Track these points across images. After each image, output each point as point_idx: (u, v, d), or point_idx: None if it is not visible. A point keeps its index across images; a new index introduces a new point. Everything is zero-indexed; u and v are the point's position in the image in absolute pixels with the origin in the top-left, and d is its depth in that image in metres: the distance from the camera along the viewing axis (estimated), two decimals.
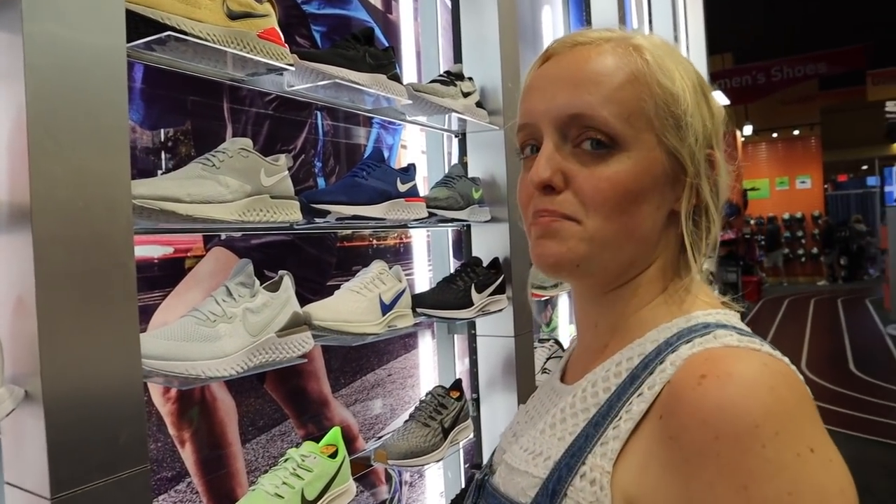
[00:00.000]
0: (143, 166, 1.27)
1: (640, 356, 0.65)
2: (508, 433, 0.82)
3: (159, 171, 1.30)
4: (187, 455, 1.31)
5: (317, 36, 1.70)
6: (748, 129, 15.88)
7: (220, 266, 1.39)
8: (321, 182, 1.70)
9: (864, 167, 19.16)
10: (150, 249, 1.27)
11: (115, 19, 0.90)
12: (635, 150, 0.67)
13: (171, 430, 1.28)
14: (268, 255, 1.51)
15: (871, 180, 18.21)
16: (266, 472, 1.25)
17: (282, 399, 1.54)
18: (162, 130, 1.31)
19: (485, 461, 1.96)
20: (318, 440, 1.36)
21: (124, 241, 0.89)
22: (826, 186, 16.85)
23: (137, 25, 0.97)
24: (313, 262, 1.65)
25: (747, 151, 16.49)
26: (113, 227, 0.88)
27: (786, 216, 16.07)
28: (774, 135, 16.71)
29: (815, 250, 15.84)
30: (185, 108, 1.36)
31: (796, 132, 16.32)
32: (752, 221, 15.38)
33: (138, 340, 0.89)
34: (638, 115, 0.67)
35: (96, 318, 0.85)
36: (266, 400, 1.50)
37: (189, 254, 1.35)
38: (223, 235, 1.40)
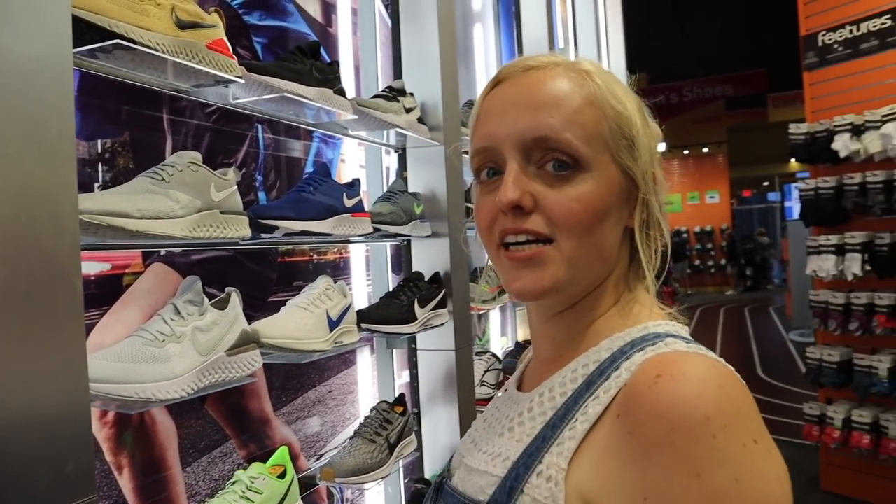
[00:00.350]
0: (80, 179, 1.20)
1: (595, 363, 0.69)
2: (467, 440, 0.83)
3: (96, 185, 1.24)
4: (125, 482, 1.25)
5: (258, 47, 1.67)
6: (662, 147, 16.61)
7: (159, 283, 1.34)
8: (262, 196, 1.67)
9: (766, 183, 20.42)
10: (86, 266, 1.20)
11: (61, 25, 0.86)
12: (596, 170, 0.69)
13: (108, 457, 1.22)
14: (208, 270, 1.46)
15: (772, 196, 19.44)
16: (211, 495, 1.21)
17: (223, 419, 1.49)
18: (99, 141, 1.26)
19: (426, 475, 1.97)
20: (260, 460, 1.33)
21: (70, 258, 0.85)
22: (732, 201, 17.85)
23: (82, 32, 0.93)
24: (254, 277, 1.62)
25: (661, 168, 17.22)
26: (59, 244, 0.84)
27: (697, 229, 16.89)
28: (686, 152, 17.58)
29: (723, 261, 16.71)
30: (123, 118, 1.30)
31: (705, 150, 17.23)
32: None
33: (86, 363, 0.85)
34: (596, 137, 0.70)
35: (41, 339, 0.81)
36: (207, 421, 1.45)
37: (127, 270, 1.29)
38: (163, 251, 1.35)
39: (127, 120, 1.32)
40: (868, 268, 3.78)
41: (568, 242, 0.69)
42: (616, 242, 0.73)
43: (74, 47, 0.93)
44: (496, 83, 0.75)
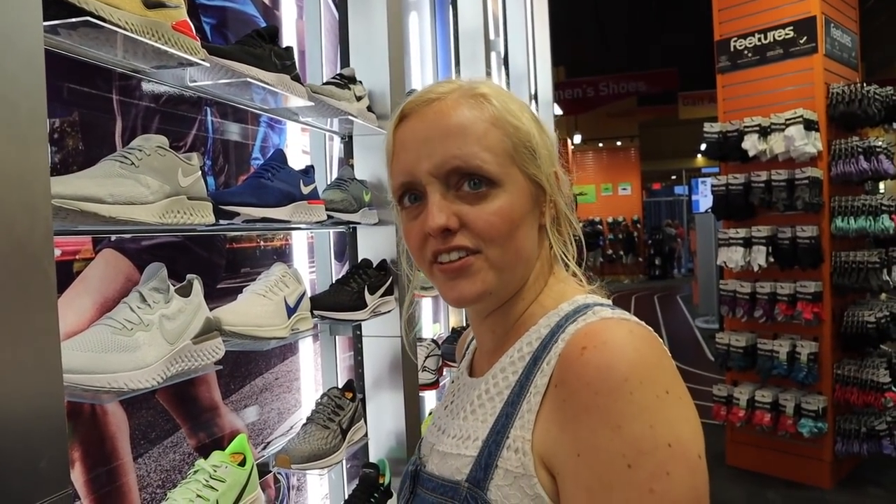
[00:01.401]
0: None
1: (537, 340, 0.77)
2: (433, 428, 0.90)
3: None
4: (77, 475, 1.21)
5: (206, 28, 1.63)
6: (577, 138, 17.13)
7: (110, 269, 1.30)
8: (211, 181, 1.63)
9: (674, 177, 21.45)
10: None
11: None
12: (508, 183, 0.77)
13: None
14: (158, 256, 1.42)
15: (679, 189, 20.44)
16: (164, 485, 1.19)
17: (173, 407, 1.46)
18: (47, 121, 1.20)
19: (372, 458, 1.99)
20: (210, 448, 1.32)
21: (43, 245, 0.82)
22: (642, 193, 18.63)
23: (47, 7, 0.89)
24: (204, 264, 1.58)
25: (576, 159, 17.77)
26: (32, 230, 0.81)
27: (609, 219, 17.54)
28: (600, 144, 18.18)
29: (621, 252, 17.42)
30: (71, 98, 1.25)
31: (619, 143, 17.87)
32: (582, 224, 16.58)
33: (59, 354, 0.82)
34: (503, 154, 0.78)
35: (12, 329, 0.78)
36: (157, 410, 1.42)
37: (77, 256, 1.24)
38: (113, 237, 1.30)
39: (75, 100, 1.26)
40: (772, 259, 4.08)
41: (493, 251, 0.77)
42: (534, 243, 0.82)
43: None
44: (402, 118, 0.81)
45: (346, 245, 2.09)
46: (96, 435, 1.26)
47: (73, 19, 0.90)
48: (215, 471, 1.19)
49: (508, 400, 0.75)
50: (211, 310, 1.24)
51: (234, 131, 1.73)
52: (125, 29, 0.96)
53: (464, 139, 0.76)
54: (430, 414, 2.54)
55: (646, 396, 0.64)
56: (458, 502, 0.74)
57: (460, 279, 0.77)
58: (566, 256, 0.84)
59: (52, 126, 1.21)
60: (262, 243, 1.85)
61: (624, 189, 17.58)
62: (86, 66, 1.17)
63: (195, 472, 1.19)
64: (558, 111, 14.47)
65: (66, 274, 1.22)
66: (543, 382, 0.71)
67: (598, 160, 18.06)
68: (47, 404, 0.81)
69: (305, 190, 1.49)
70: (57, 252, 1.20)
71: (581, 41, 13.94)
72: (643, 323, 0.73)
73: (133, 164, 0.99)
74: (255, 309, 1.32)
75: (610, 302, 0.80)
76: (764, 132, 4.07)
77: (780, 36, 4.20)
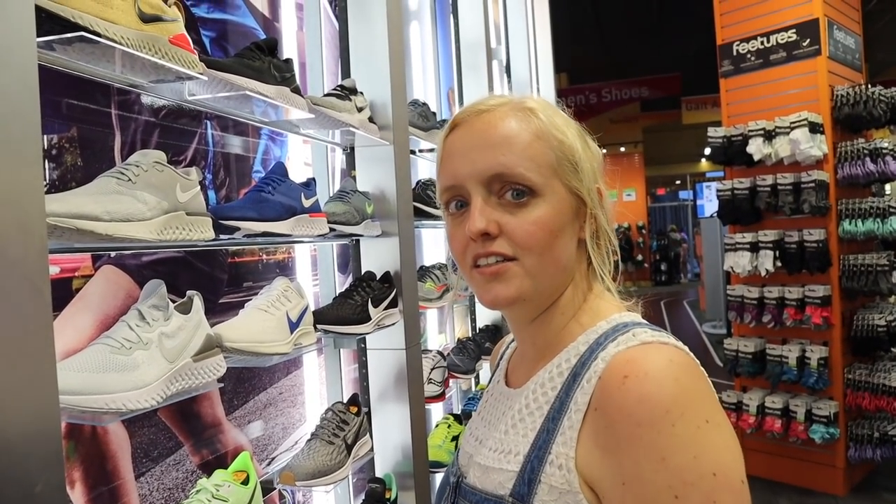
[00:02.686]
0: None
1: (576, 356, 0.79)
2: (471, 439, 0.92)
3: (43, 182, 1.17)
4: (77, 496, 1.19)
5: (206, 41, 1.62)
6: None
7: (111, 286, 1.28)
8: (212, 195, 1.62)
9: (678, 182, 21.38)
10: None
11: (24, 15, 0.81)
12: (549, 194, 0.80)
13: None
14: (159, 272, 1.41)
15: (684, 194, 20.37)
16: None
17: (176, 425, 1.44)
18: (45, 137, 1.19)
19: (378, 474, 1.96)
20: (213, 466, 1.30)
21: (38, 264, 0.80)
22: (647, 199, 18.58)
23: (41, 23, 0.88)
24: (205, 279, 1.57)
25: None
26: (26, 249, 0.79)
27: (615, 226, 17.44)
28: (604, 150, 18.02)
29: (639, 257, 17.37)
30: (69, 113, 1.23)
31: (623, 149, 17.84)
32: None
33: (55, 375, 0.80)
34: (545, 166, 0.80)
35: (6, 350, 0.76)
36: (159, 428, 1.40)
37: (76, 273, 1.22)
38: (113, 253, 1.29)
39: (74, 115, 1.25)
40: (779, 264, 4.05)
41: (530, 259, 0.79)
42: (572, 254, 0.83)
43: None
44: (453, 127, 0.85)
45: (350, 257, 2.07)
46: (97, 454, 1.24)
47: (68, 35, 0.89)
48: (218, 490, 1.17)
49: (549, 416, 0.77)
50: (213, 324, 1.23)
51: (235, 144, 1.72)
52: (121, 44, 0.95)
53: (509, 148, 0.79)
54: (437, 426, 2.51)
55: (688, 428, 0.66)
56: None
57: (496, 283, 0.80)
58: (603, 271, 0.86)
59: (50, 142, 1.20)
60: (264, 257, 1.83)
61: (629, 195, 17.53)
62: (84, 81, 1.16)
63: (197, 491, 1.17)
64: None
65: (65, 291, 1.20)
66: (584, 401, 0.73)
67: (603, 166, 17.99)
68: (43, 426, 0.79)
69: (307, 203, 1.48)
70: (55, 269, 1.19)
71: (583, 47, 13.94)
72: (682, 345, 0.75)
73: (130, 180, 0.98)
74: (257, 324, 1.30)
75: (646, 321, 0.82)
76: (769, 136, 4.04)
77: (782, 39, 4.19)
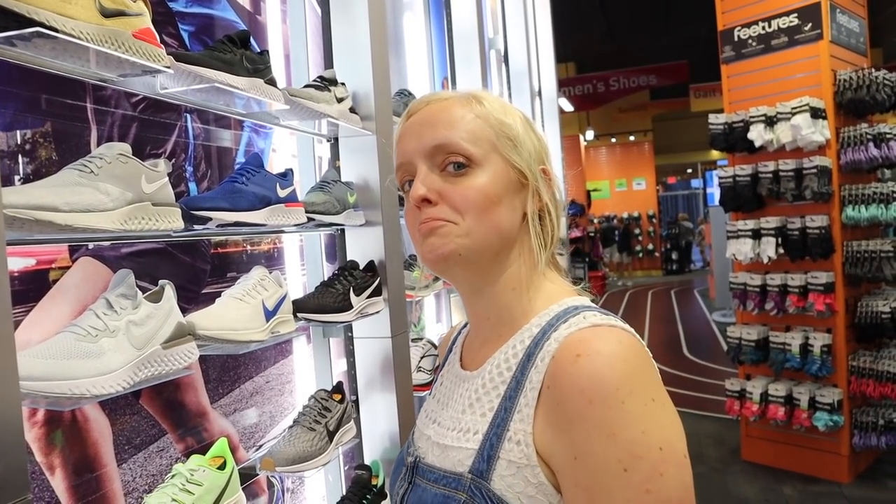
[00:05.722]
0: (0, 172, 1.16)
1: (529, 338, 0.82)
2: (427, 420, 0.95)
3: (17, 177, 1.20)
4: (58, 482, 1.22)
5: (184, 35, 1.64)
6: (590, 134, 17.03)
7: (88, 277, 1.31)
8: (193, 187, 1.64)
9: (689, 171, 21.23)
10: (9, 262, 1.17)
11: None
12: (487, 165, 0.85)
13: (39, 457, 1.19)
14: (139, 264, 1.44)
15: (695, 182, 20.23)
16: (149, 491, 1.20)
17: (159, 413, 1.47)
18: (18, 132, 1.21)
19: (366, 461, 1.99)
20: (198, 453, 1.32)
21: None
22: (658, 188, 18.46)
23: None
24: (187, 269, 1.59)
25: (589, 155, 17.67)
26: None
27: (624, 215, 17.40)
28: (613, 140, 18.05)
29: (650, 246, 17.30)
30: (43, 108, 1.26)
31: (632, 137, 17.72)
32: (596, 220, 16.50)
33: (15, 362, 0.83)
34: (483, 139, 0.86)
35: None
36: (142, 416, 1.43)
37: (53, 265, 1.25)
38: (90, 245, 1.32)
39: (48, 109, 1.27)
40: (781, 251, 4.02)
41: (465, 221, 0.84)
42: (514, 224, 0.87)
43: None
44: (408, 116, 0.92)
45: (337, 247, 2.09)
46: (78, 441, 1.27)
47: (24, 30, 0.90)
48: (192, 474, 1.19)
49: (506, 395, 0.80)
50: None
51: (216, 137, 1.74)
52: (80, 39, 0.96)
53: (451, 124, 0.86)
54: None
55: (636, 405, 0.70)
56: (462, 493, 0.78)
57: (432, 237, 0.84)
58: (540, 247, 0.88)
59: (24, 137, 1.22)
60: (248, 248, 1.86)
61: (638, 184, 17.44)
62: (58, 76, 1.18)
63: (172, 476, 1.20)
64: (567, 107, 14.44)
65: (42, 283, 1.23)
66: (538, 379, 0.76)
67: (612, 155, 17.93)
68: (3, 411, 0.82)
69: (282, 193, 1.50)
70: (31, 261, 1.22)
71: (589, 36, 13.84)
72: (629, 327, 0.79)
73: (92, 171, 1.00)
74: (231, 313, 1.32)
75: (595, 304, 0.85)
76: (770, 122, 4.01)
77: (784, 24, 4.14)
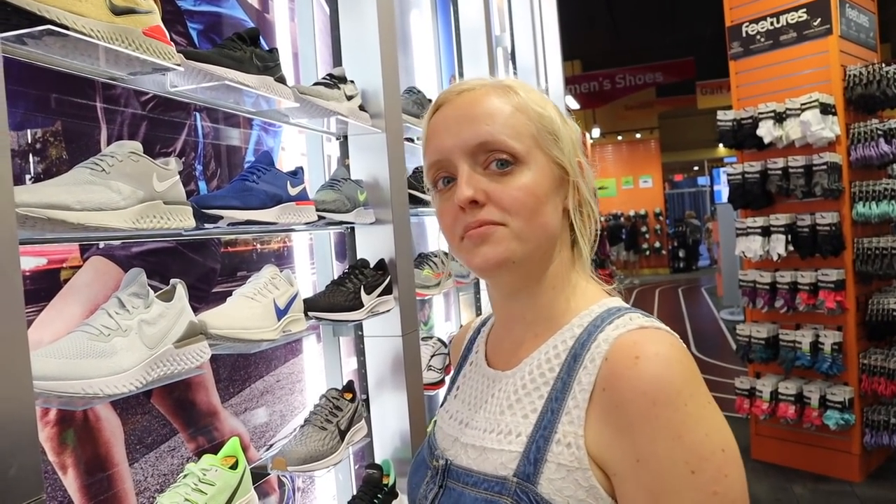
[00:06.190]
0: None
1: (572, 338, 0.80)
2: (452, 422, 0.91)
3: (28, 176, 1.20)
4: (70, 482, 1.22)
5: (193, 34, 1.64)
6: (596, 132, 16.98)
7: (99, 276, 1.30)
8: (203, 186, 1.64)
9: (696, 168, 21.15)
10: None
11: None
12: (532, 162, 0.82)
13: (51, 456, 1.19)
14: (150, 263, 1.43)
15: (702, 180, 20.16)
16: (162, 490, 1.19)
17: (170, 413, 1.47)
18: (29, 131, 1.21)
19: (377, 460, 1.98)
20: (209, 453, 1.32)
21: (9, 254, 0.82)
22: (665, 185, 18.40)
23: (8, 16, 0.89)
24: (198, 268, 1.59)
25: (595, 153, 17.61)
26: None
27: (631, 213, 17.34)
28: (619, 137, 17.99)
29: (657, 244, 17.23)
30: (53, 107, 1.26)
31: (638, 135, 17.66)
32: (603, 218, 16.42)
33: (28, 361, 0.82)
34: (526, 135, 0.82)
35: None
36: (153, 415, 1.43)
37: (65, 264, 1.25)
38: (101, 244, 1.31)
39: (58, 108, 1.27)
40: (791, 248, 3.99)
41: (517, 223, 0.80)
42: (558, 221, 0.84)
43: (1, 32, 0.90)
44: (437, 108, 0.87)
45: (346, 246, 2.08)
46: (90, 441, 1.27)
47: (35, 28, 0.90)
48: (204, 474, 1.19)
49: (551, 396, 0.78)
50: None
51: (225, 136, 1.74)
52: (91, 36, 0.96)
53: (492, 119, 0.81)
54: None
55: (697, 406, 0.70)
56: (507, 497, 0.75)
57: (484, 245, 0.80)
58: (584, 240, 0.87)
59: (34, 136, 1.22)
60: (258, 246, 1.85)
61: (645, 181, 17.37)
62: (69, 76, 1.18)
63: (185, 475, 1.20)
64: (574, 104, 14.37)
65: (53, 282, 1.23)
66: (589, 381, 0.74)
67: (618, 153, 17.87)
68: (17, 411, 0.81)
69: (293, 191, 1.49)
70: (42, 261, 1.21)
71: (595, 34, 13.80)
72: (669, 329, 0.78)
73: (104, 170, 0.99)
74: (243, 312, 1.32)
75: (630, 305, 0.84)
76: (779, 118, 3.98)
77: (792, 19, 4.11)
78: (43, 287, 1.21)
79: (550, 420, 0.76)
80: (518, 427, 0.79)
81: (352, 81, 1.86)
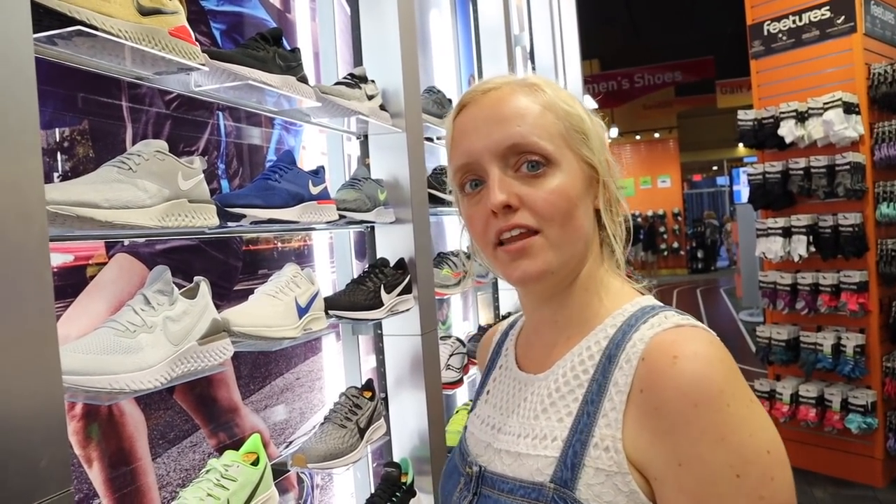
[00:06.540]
0: None
1: (605, 339, 0.77)
2: (484, 427, 0.89)
3: (56, 174, 1.22)
4: (95, 475, 1.23)
5: (216, 33, 1.65)
6: (614, 132, 16.88)
7: (124, 274, 1.32)
8: (225, 184, 1.65)
9: (715, 168, 20.96)
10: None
11: (20, 10, 0.84)
12: (563, 163, 0.80)
13: (77, 450, 1.20)
14: (173, 260, 1.45)
15: (721, 180, 19.98)
16: (184, 485, 1.21)
17: (192, 408, 1.48)
18: (56, 130, 1.23)
19: (395, 458, 1.99)
20: (230, 449, 1.33)
21: (39, 251, 0.83)
22: (683, 185, 18.26)
23: (40, 18, 0.91)
24: (219, 266, 1.60)
25: (614, 152, 17.42)
26: (26, 236, 0.82)
27: (649, 213, 17.23)
28: (637, 137, 17.87)
29: (675, 244, 17.11)
30: (80, 106, 1.27)
31: (657, 135, 17.53)
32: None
33: (58, 356, 0.84)
34: (556, 135, 0.80)
35: (11, 334, 0.79)
36: (176, 411, 1.44)
37: (90, 261, 1.27)
38: (126, 241, 1.33)
39: (85, 108, 1.29)
40: (813, 249, 3.94)
41: (552, 230, 0.78)
42: (590, 223, 0.83)
43: (33, 33, 0.91)
44: (461, 108, 0.85)
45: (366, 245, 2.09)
46: (114, 435, 1.28)
47: (66, 29, 0.92)
48: (227, 470, 1.20)
49: (586, 399, 0.75)
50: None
51: (247, 135, 1.75)
52: (119, 37, 0.97)
53: (522, 119, 0.79)
54: (457, 411, 2.53)
55: (740, 407, 0.67)
56: (544, 503, 0.73)
57: (522, 259, 0.78)
58: (616, 240, 0.85)
59: (62, 135, 1.24)
60: (279, 245, 1.86)
61: (663, 181, 17.24)
62: (95, 76, 1.19)
63: (207, 471, 1.21)
64: (592, 104, 14.30)
65: (79, 278, 1.25)
66: (626, 382, 0.72)
67: (637, 153, 17.75)
68: (47, 405, 0.83)
69: (315, 190, 1.50)
70: (69, 257, 1.23)
71: (614, 32, 13.72)
72: (706, 326, 0.75)
73: (131, 168, 1.01)
74: (265, 310, 1.33)
75: (662, 303, 0.81)
76: (801, 118, 3.93)
77: (815, 17, 4.06)
78: (70, 283, 1.22)
79: (587, 423, 0.74)
80: (553, 431, 0.77)
81: (372, 81, 1.87)
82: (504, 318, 3.12)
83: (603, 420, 0.72)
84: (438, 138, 2.49)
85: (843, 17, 3.93)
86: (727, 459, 0.65)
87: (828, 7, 3.99)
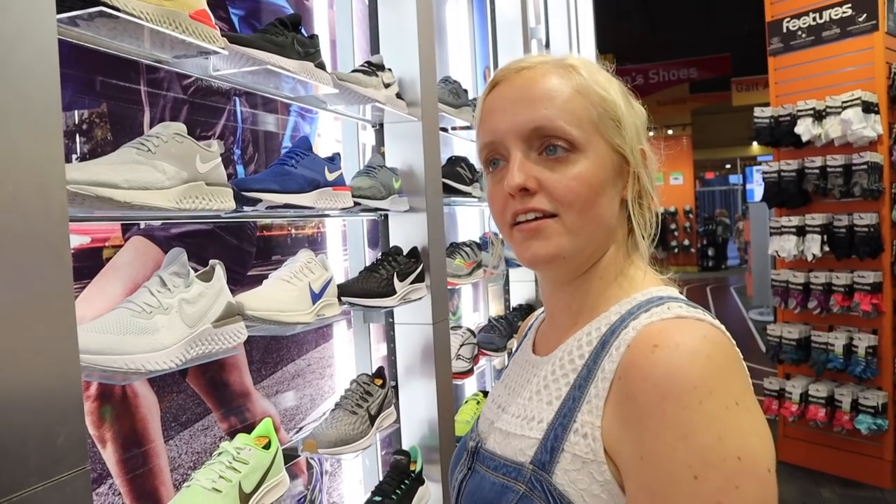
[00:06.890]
0: None
1: (606, 325, 0.76)
2: (492, 405, 0.90)
3: (74, 156, 1.22)
4: (109, 455, 1.25)
5: (234, 19, 1.65)
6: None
7: (140, 256, 1.33)
8: (240, 170, 1.66)
9: (728, 166, 20.81)
10: None
11: None
12: (589, 150, 0.77)
13: (92, 430, 1.22)
14: (188, 244, 1.45)
15: (734, 178, 19.84)
16: (195, 467, 1.22)
17: (204, 392, 1.49)
18: (76, 112, 1.23)
19: (404, 446, 1.99)
20: (241, 433, 1.34)
21: (59, 230, 0.84)
22: (695, 183, 18.14)
23: None
24: (234, 251, 1.61)
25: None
26: (47, 215, 0.83)
27: (661, 210, 17.07)
28: (651, 133, 17.68)
29: (686, 242, 17.01)
30: (99, 89, 1.28)
31: (670, 131, 17.42)
32: None
33: (76, 335, 0.84)
34: (586, 121, 0.78)
35: (30, 312, 0.80)
36: (188, 394, 1.45)
37: (107, 243, 1.27)
38: (142, 224, 1.34)
39: (104, 91, 1.29)
40: (826, 248, 3.91)
41: (570, 216, 0.76)
42: (614, 213, 0.80)
43: (56, 13, 0.91)
44: (494, 85, 0.83)
45: (379, 233, 2.10)
46: (127, 417, 1.30)
47: (89, 10, 0.92)
48: (238, 453, 1.21)
49: (575, 384, 0.74)
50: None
51: (263, 121, 1.76)
52: (141, 18, 0.97)
53: (550, 102, 0.77)
54: (466, 401, 2.53)
55: (716, 407, 0.63)
56: (521, 484, 0.73)
57: (534, 240, 0.77)
58: (643, 232, 0.82)
59: (81, 117, 1.24)
60: (293, 231, 1.87)
61: (676, 178, 17.12)
62: (115, 59, 1.20)
63: (219, 453, 1.22)
64: None
65: (96, 260, 1.25)
66: (612, 368, 0.70)
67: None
68: (64, 384, 0.84)
69: (331, 177, 1.50)
70: (86, 239, 1.24)
71: (629, 28, 13.63)
72: (719, 324, 0.71)
73: (150, 150, 1.01)
74: (279, 294, 1.33)
75: (684, 297, 0.78)
76: (818, 116, 3.89)
77: (836, 14, 4.01)
78: (87, 265, 1.23)
79: (571, 408, 0.72)
80: (541, 413, 0.76)
81: (389, 69, 1.86)
82: (519, 307, 3.12)
83: (586, 406, 0.71)
84: (454, 128, 2.49)
85: (864, 15, 3.88)
86: (686, 458, 0.61)
87: (849, 4, 3.94)
